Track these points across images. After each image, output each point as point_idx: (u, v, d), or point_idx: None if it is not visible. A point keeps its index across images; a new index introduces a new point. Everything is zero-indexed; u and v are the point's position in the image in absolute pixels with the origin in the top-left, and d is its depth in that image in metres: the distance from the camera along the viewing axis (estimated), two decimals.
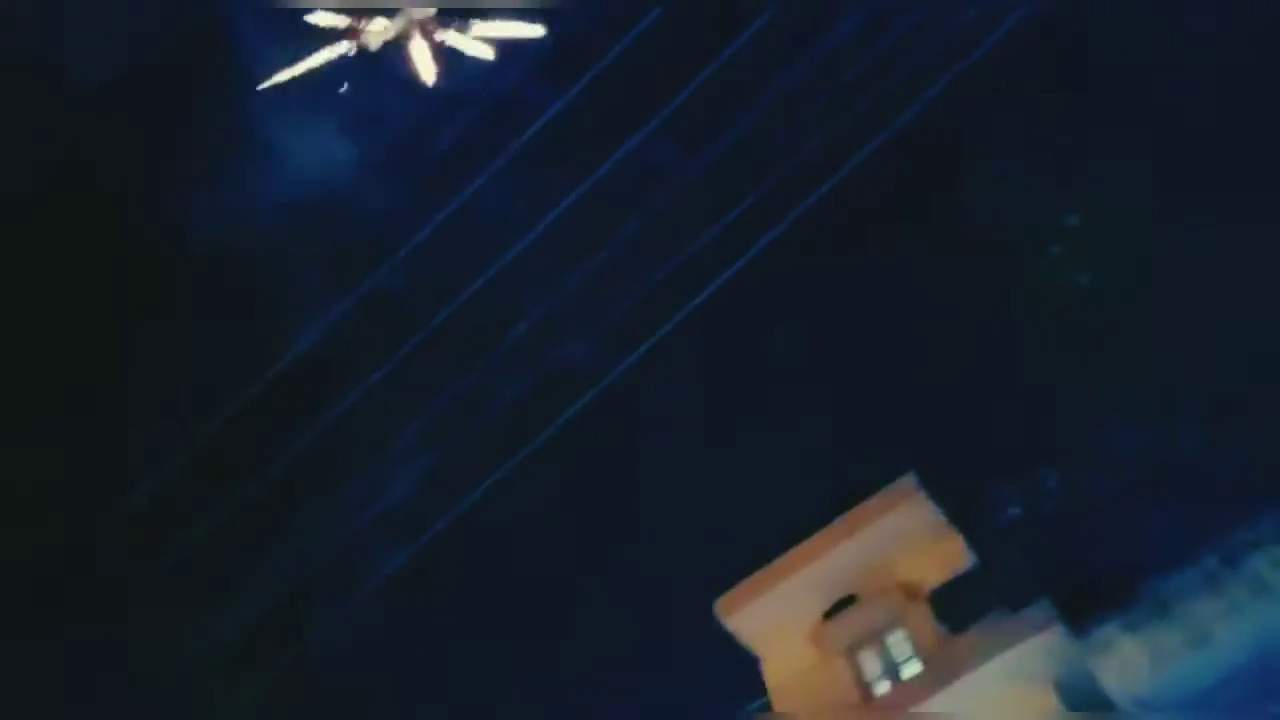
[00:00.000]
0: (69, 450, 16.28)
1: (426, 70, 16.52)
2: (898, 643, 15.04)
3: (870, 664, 15.05)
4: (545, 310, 16.13)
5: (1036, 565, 14.88)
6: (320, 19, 16.34)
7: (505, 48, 16.17)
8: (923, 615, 15.01)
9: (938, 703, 14.18)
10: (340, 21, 16.44)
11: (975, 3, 16.05)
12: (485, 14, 16.31)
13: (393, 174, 17.22)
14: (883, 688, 14.85)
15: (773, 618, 15.47)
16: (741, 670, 15.59)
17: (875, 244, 16.45)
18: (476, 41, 16.46)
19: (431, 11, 16.68)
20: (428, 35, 16.49)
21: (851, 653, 15.22)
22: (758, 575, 15.56)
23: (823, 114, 16.28)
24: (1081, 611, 14.47)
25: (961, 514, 15.01)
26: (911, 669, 14.78)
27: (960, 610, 14.42)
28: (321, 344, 16.23)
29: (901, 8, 16.03)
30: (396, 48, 16.52)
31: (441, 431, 16.34)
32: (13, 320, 15.98)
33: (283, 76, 16.14)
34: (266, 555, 16.47)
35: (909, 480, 15.24)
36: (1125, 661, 14.42)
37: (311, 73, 16.10)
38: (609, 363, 16.31)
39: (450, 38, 16.44)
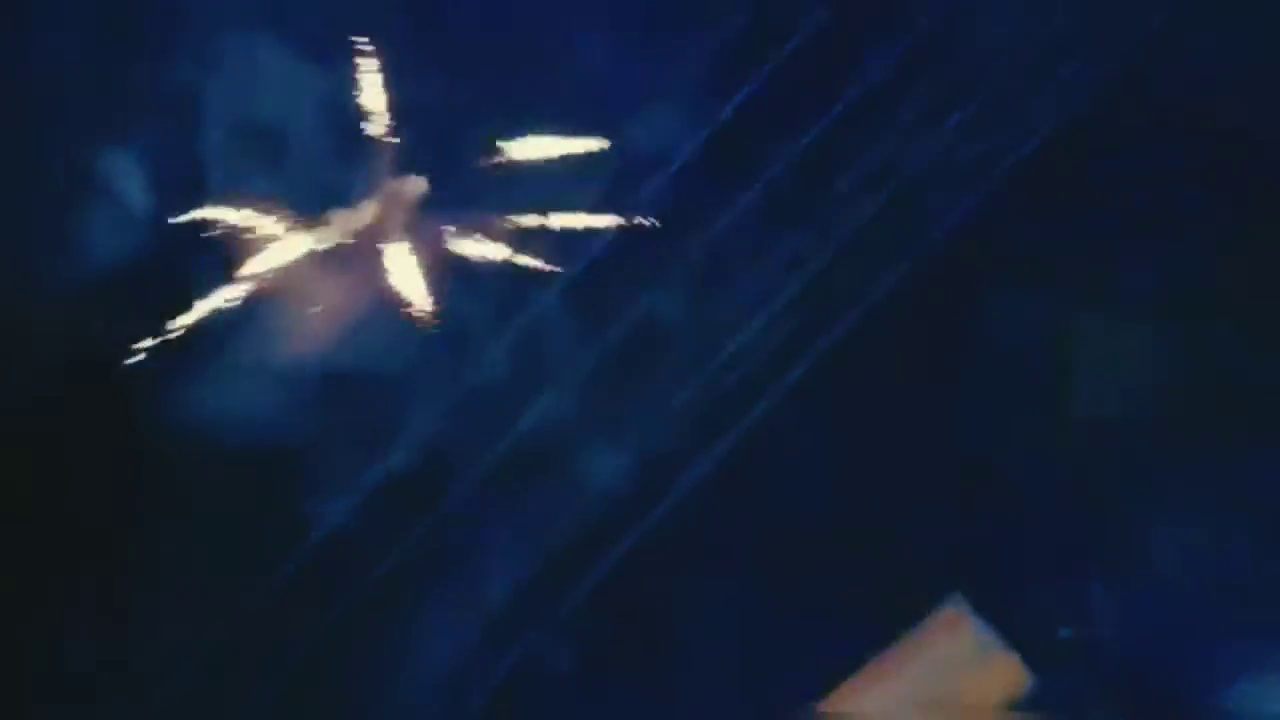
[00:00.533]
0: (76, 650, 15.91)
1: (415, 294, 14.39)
2: None
3: None
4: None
5: (1097, 682, 14.98)
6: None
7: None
8: None
9: None
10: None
11: (980, 138, 16.46)
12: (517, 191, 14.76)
13: None
14: None
15: None
16: None
17: (900, 368, 16.56)
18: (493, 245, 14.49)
19: (420, 189, 14.36)
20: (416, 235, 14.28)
21: None
22: (816, 713, 15.47)
23: (845, 244, 16.55)
24: None
25: (1014, 634, 15.11)
26: None
27: None
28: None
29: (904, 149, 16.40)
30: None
31: None
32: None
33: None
34: None
35: (958, 602, 15.35)
36: None
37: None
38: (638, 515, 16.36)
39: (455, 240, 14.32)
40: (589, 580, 16.08)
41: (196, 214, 14.48)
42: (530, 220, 14.95)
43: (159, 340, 14.73)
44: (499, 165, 14.88)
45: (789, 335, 16.35)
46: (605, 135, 15.24)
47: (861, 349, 16.26)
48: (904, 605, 15.47)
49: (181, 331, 14.70)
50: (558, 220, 15.16)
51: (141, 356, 14.79)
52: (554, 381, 16.01)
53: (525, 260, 15.13)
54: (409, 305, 14.93)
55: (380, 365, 15.49)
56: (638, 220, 15.75)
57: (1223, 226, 16.24)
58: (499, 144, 14.83)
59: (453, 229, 14.87)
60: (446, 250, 14.88)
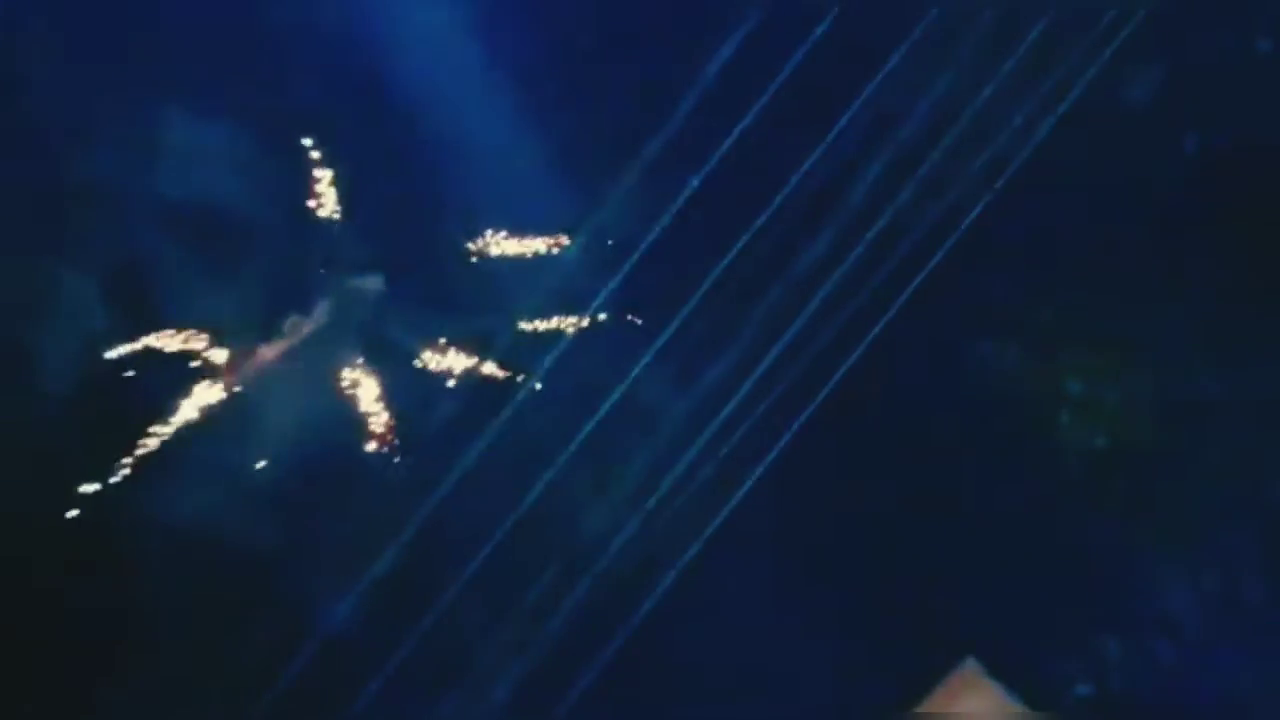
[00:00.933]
0: None
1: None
2: None
3: None
4: None
5: None
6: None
7: None
8: None
9: None
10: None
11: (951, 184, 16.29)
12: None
13: None
14: None
15: None
16: None
17: (886, 431, 16.27)
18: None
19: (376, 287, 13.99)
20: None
21: None
22: None
23: (815, 315, 16.29)
24: None
25: (1029, 696, 14.66)
26: None
27: None
28: None
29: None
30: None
31: None
32: None
33: None
34: None
35: (972, 665, 14.87)
36: None
37: None
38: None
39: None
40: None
41: (144, 342, 14.11)
42: (492, 323, 14.64)
43: (130, 456, 14.26)
44: (460, 262, 14.63)
45: (769, 407, 16.02)
46: (562, 231, 15.07)
47: (845, 414, 15.95)
48: (913, 675, 14.97)
49: (149, 446, 14.22)
50: (522, 323, 14.91)
51: (117, 475, 14.31)
52: (537, 468, 15.60)
53: (490, 369, 14.82)
54: (369, 425, 14.48)
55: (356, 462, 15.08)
56: (600, 317, 15.51)
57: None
58: (458, 241, 14.61)
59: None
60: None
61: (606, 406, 15.73)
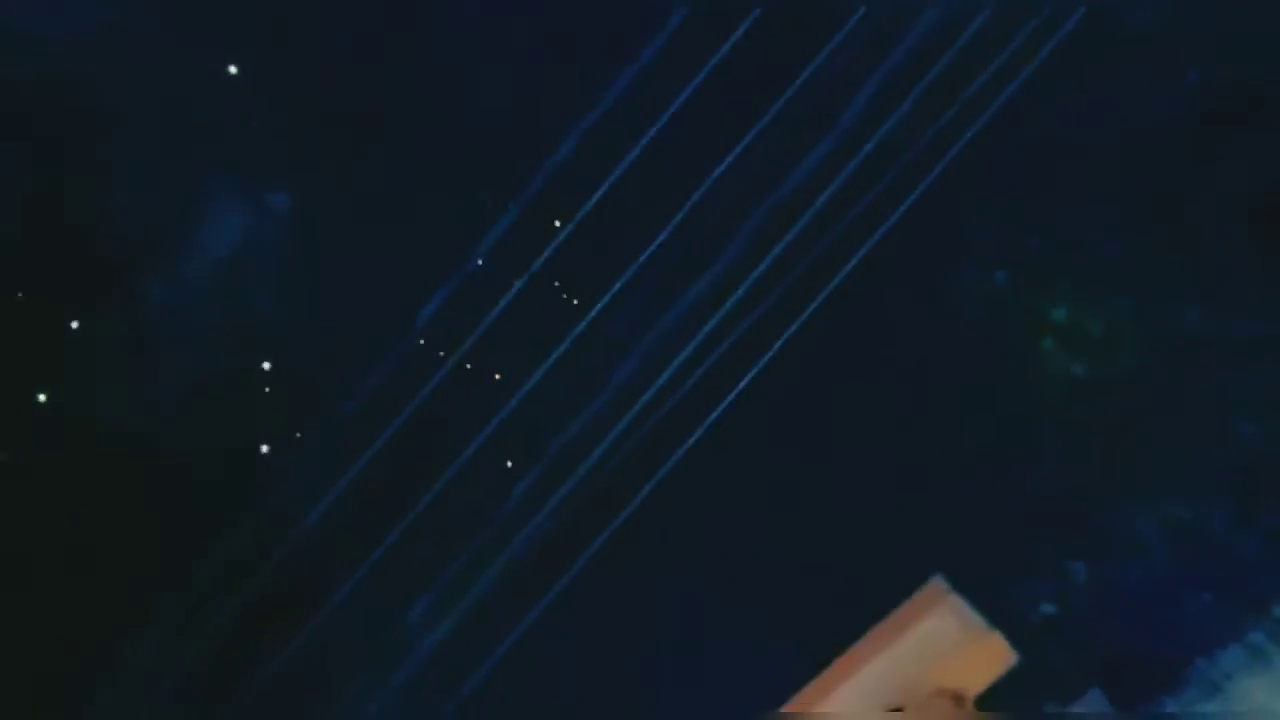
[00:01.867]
0: None
1: None
2: None
3: None
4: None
5: (1079, 658, 14.78)
6: None
7: None
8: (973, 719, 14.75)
9: None
10: None
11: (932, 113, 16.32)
12: None
13: None
14: None
15: None
16: None
17: (865, 353, 16.37)
18: None
19: None
20: None
21: None
22: (793, 701, 15.22)
23: (799, 237, 16.37)
24: (1132, 699, 14.34)
25: (994, 614, 14.87)
26: None
27: (1009, 709, 14.20)
28: None
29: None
30: None
31: None
32: None
33: None
34: None
35: (938, 583, 15.07)
36: None
37: None
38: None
39: None
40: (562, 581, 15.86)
41: None
42: None
43: None
44: None
45: (751, 326, 16.17)
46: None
47: (826, 335, 16.09)
48: (881, 592, 15.18)
49: None
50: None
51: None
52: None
53: None
54: None
55: None
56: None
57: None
58: None
59: None
60: None
61: (589, 318, 15.92)
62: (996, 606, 14.96)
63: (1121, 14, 16.41)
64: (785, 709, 14.89)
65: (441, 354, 15.74)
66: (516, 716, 15.67)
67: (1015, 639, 14.76)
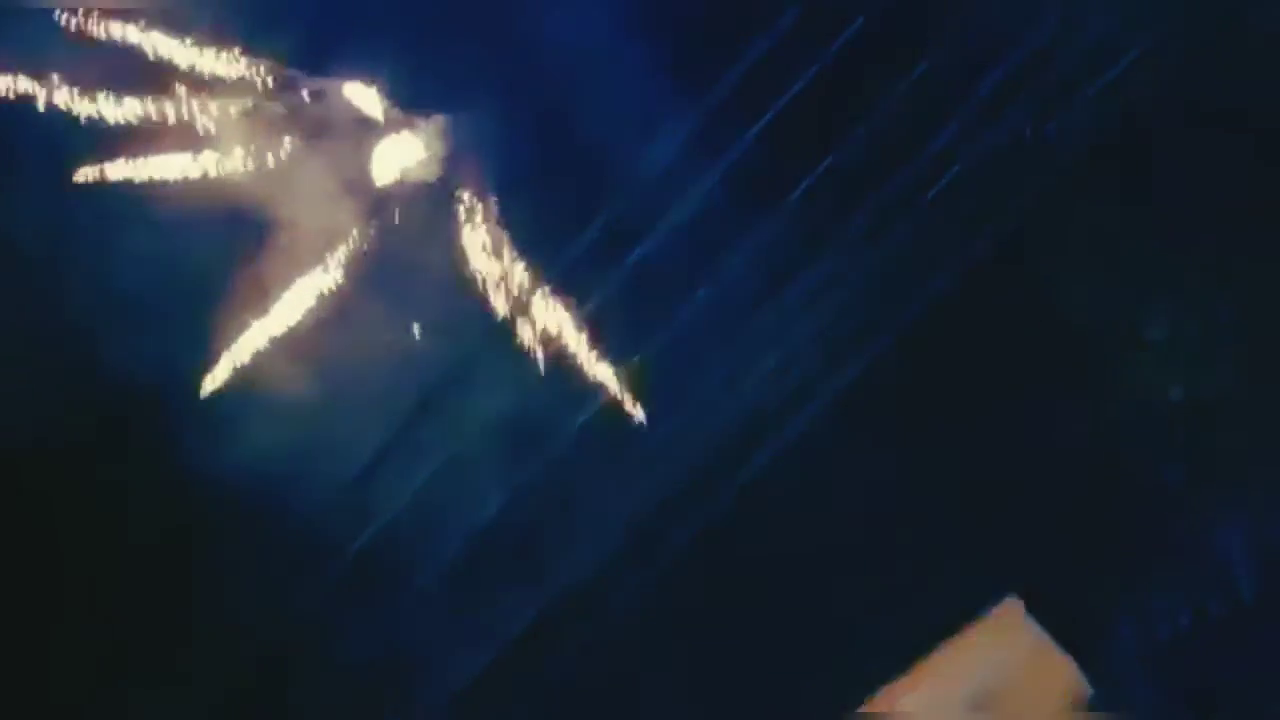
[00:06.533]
0: None
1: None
2: None
3: None
4: None
5: (1160, 689, 14.45)
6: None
7: None
8: None
9: None
10: None
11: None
12: None
13: None
14: None
15: None
16: None
17: (961, 360, 16.11)
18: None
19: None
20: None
21: None
22: (868, 703, 15.05)
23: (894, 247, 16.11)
24: None
25: (1072, 638, 14.58)
26: None
27: None
28: None
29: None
30: None
31: None
32: None
33: None
34: None
35: (1013, 604, 14.83)
36: None
37: None
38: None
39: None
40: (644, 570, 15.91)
41: None
42: None
43: None
44: None
45: (855, 326, 15.99)
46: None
47: (924, 340, 15.85)
48: (959, 605, 15.00)
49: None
50: None
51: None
52: None
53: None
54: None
55: None
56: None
57: None
58: None
59: None
60: None
61: (683, 318, 15.87)
62: (1074, 629, 14.74)
63: (1253, 18, 15.92)
64: (863, 709, 14.86)
65: None
66: None
67: (1094, 666, 14.55)
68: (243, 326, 15.37)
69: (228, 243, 15.33)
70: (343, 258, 15.20)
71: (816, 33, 15.64)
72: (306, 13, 15.41)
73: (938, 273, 15.82)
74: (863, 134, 15.70)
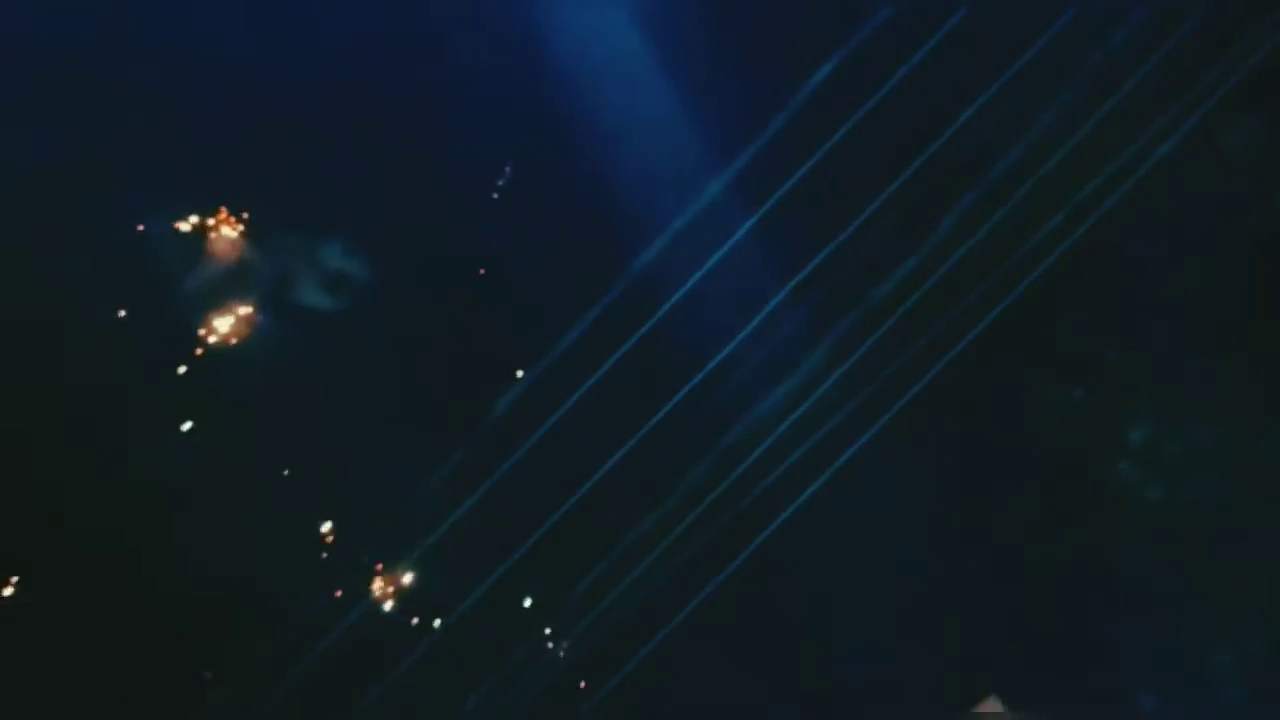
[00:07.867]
0: None
1: None
2: None
3: None
4: None
5: None
6: None
7: None
8: None
9: None
10: None
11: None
12: None
13: None
14: None
15: None
16: None
17: (937, 460, 16.02)
18: None
19: None
20: None
21: None
22: None
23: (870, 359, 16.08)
24: None
25: None
26: None
27: None
28: None
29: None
30: None
31: None
32: None
33: None
34: None
35: (993, 704, 14.56)
36: None
37: None
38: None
39: None
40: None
41: None
42: None
43: None
44: None
45: (832, 427, 15.89)
46: None
47: (901, 441, 15.75)
48: (938, 705, 14.75)
49: None
50: None
51: None
52: None
53: None
54: None
55: None
56: None
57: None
58: None
59: None
60: None
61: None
62: None
63: (1216, 138, 16.13)
64: None
65: None
66: None
67: None
68: None
69: None
70: None
71: None
72: None
73: (919, 368, 15.78)
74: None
